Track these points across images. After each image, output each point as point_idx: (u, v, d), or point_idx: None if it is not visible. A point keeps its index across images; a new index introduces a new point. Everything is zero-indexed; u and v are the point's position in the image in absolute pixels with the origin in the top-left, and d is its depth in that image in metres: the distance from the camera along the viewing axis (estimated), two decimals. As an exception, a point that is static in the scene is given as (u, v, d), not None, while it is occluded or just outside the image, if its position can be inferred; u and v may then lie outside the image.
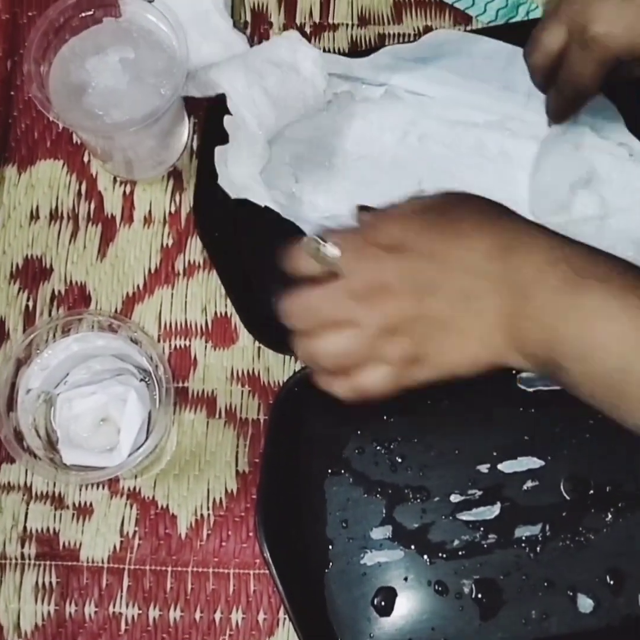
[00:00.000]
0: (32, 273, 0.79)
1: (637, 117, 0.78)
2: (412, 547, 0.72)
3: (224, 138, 0.76)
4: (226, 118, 0.75)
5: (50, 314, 0.78)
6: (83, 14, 0.72)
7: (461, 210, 0.62)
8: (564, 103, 0.71)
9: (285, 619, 0.72)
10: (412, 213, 0.63)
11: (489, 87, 0.79)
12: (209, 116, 0.79)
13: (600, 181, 0.77)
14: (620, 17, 0.63)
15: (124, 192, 0.81)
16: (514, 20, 0.83)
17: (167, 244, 0.79)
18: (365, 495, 0.73)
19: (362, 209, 0.65)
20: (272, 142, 0.75)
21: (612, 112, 0.78)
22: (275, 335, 0.75)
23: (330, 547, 0.72)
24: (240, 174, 0.76)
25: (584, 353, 0.57)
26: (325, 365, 0.65)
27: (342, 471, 0.74)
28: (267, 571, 0.70)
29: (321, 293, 0.63)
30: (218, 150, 0.76)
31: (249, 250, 0.78)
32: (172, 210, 0.80)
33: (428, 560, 0.72)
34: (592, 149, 0.77)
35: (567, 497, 0.72)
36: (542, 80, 0.71)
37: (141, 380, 0.70)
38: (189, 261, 0.79)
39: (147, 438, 0.67)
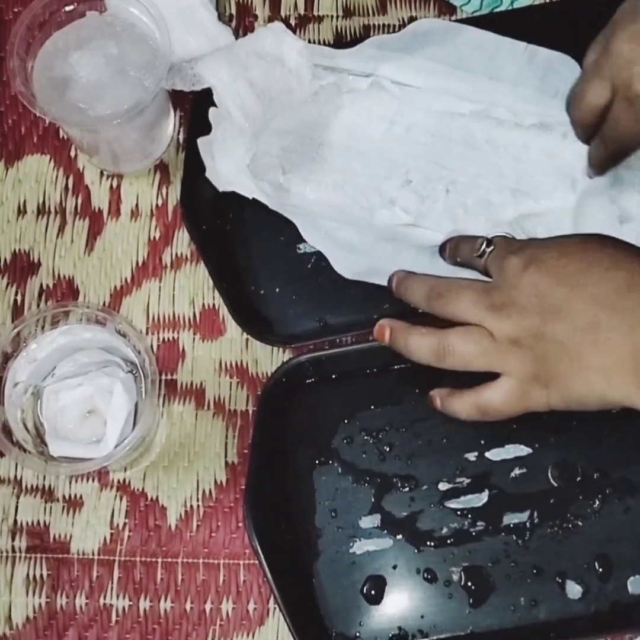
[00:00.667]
0: (20, 267, 0.79)
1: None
2: (401, 535, 0.72)
3: (210, 130, 0.77)
4: (211, 110, 0.76)
5: (38, 308, 0.78)
6: (67, 8, 0.72)
7: (598, 245, 0.64)
8: (608, 156, 0.70)
9: (275, 608, 0.72)
10: (551, 241, 0.67)
11: (475, 77, 0.78)
12: (195, 109, 0.79)
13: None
14: None
15: (111, 185, 0.81)
16: (498, 9, 0.83)
17: (154, 237, 0.80)
18: (354, 485, 0.73)
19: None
20: (259, 134, 0.76)
21: None
22: (263, 326, 0.76)
23: (319, 536, 0.72)
24: (227, 166, 0.76)
25: None
26: (450, 363, 0.67)
27: (331, 461, 0.74)
28: (256, 561, 0.71)
29: (467, 289, 0.67)
30: (201, 141, 0.77)
31: (237, 242, 0.78)
32: (159, 203, 0.80)
33: (417, 548, 0.72)
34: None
35: (555, 484, 0.73)
36: (585, 134, 0.71)
37: (128, 372, 0.70)
38: (177, 254, 0.79)
39: (133, 429, 0.68)
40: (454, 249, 0.73)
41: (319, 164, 0.79)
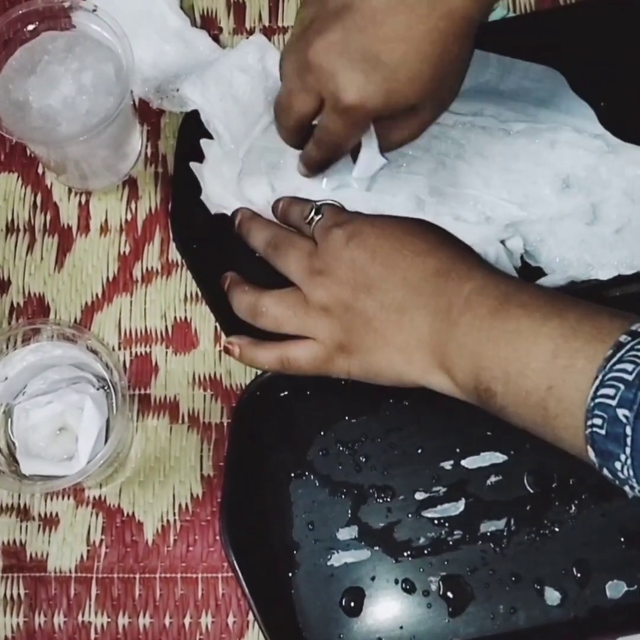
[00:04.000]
0: (-11, 286, 0.79)
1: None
2: (379, 546, 0.72)
3: (199, 149, 0.77)
4: (202, 141, 0.76)
5: (9, 326, 0.78)
6: (31, 27, 0.71)
7: (419, 231, 0.68)
8: (322, 160, 0.70)
9: (255, 621, 0.72)
10: (377, 220, 0.70)
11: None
12: (183, 129, 0.79)
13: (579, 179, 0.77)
14: (369, 84, 0.61)
15: (80, 202, 0.80)
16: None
17: (124, 252, 0.79)
18: (331, 497, 0.73)
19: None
20: (247, 152, 0.76)
21: (585, 108, 0.78)
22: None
23: (296, 549, 0.72)
24: (218, 189, 0.76)
25: (510, 374, 0.59)
26: (262, 323, 0.70)
27: (307, 473, 0.74)
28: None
29: (296, 249, 0.70)
30: (194, 166, 0.77)
31: (228, 260, 0.77)
32: (128, 218, 0.80)
33: (395, 558, 0.72)
34: (568, 145, 0.77)
35: (531, 491, 0.73)
36: (295, 141, 0.70)
37: (99, 388, 0.70)
38: (147, 268, 0.79)
39: (105, 445, 0.67)
40: (285, 210, 0.74)
41: (306, 180, 0.78)
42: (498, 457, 0.73)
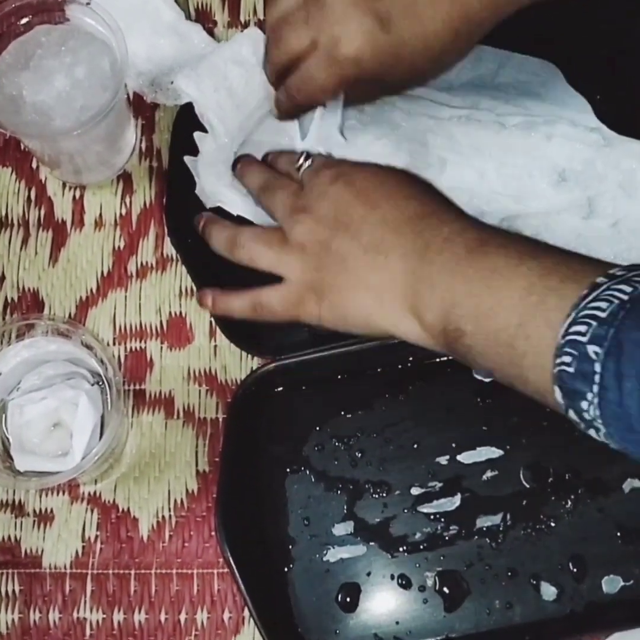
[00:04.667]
0: (-17, 282, 0.79)
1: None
2: (374, 542, 0.72)
3: (193, 143, 0.76)
4: (196, 134, 0.76)
5: (3, 321, 0.77)
6: (24, 20, 0.71)
7: (406, 178, 0.67)
8: (295, 106, 0.70)
9: (250, 616, 0.71)
10: (366, 165, 0.68)
11: (458, 85, 0.78)
12: (177, 122, 0.79)
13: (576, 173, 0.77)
14: (373, 46, 0.62)
15: (74, 196, 0.80)
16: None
17: (118, 247, 0.79)
18: (326, 492, 0.73)
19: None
20: (241, 146, 0.76)
21: (580, 101, 0.78)
22: (252, 339, 0.75)
23: (292, 545, 0.72)
24: (212, 183, 0.76)
25: (481, 311, 0.58)
26: (238, 256, 0.69)
27: (303, 468, 0.73)
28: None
29: (282, 189, 0.69)
30: (188, 159, 0.76)
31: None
32: (123, 212, 0.80)
33: (390, 554, 0.72)
34: (564, 139, 0.77)
35: (527, 486, 0.72)
36: (275, 77, 0.70)
37: (94, 383, 0.70)
38: (142, 263, 0.79)
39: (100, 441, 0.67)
40: (275, 158, 0.74)
41: None
42: (494, 452, 0.73)
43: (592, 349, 0.51)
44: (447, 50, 0.64)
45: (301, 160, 0.70)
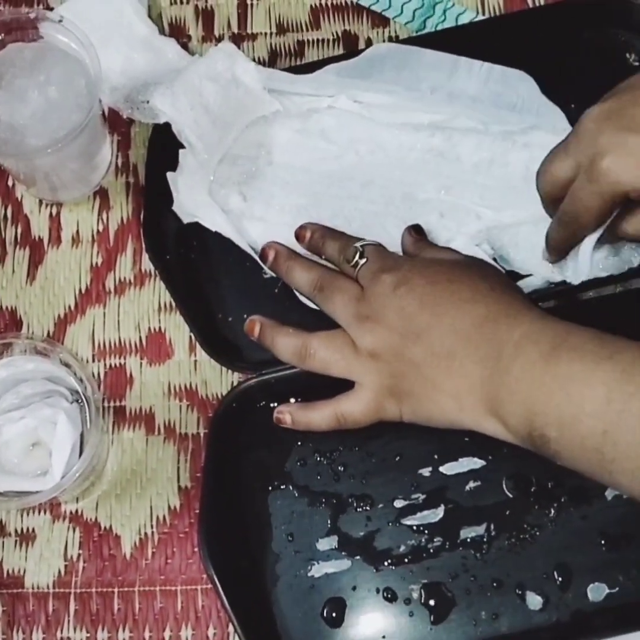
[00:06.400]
0: (-40, 301, 0.78)
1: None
2: (359, 555, 0.71)
3: (169, 159, 0.76)
4: (181, 151, 0.76)
5: (-18, 341, 0.77)
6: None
7: (467, 277, 0.68)
8: (565, 237, 0.69)
9: (235, 633, 0.71)
10: (423, 266, 0.69)
11: (434, 96, 0.79)
12: (153, 138, 0.79)
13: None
14: (631, 153, 0.61)
15: (51, 213, 0.80)
16: (430, 20, 0.84)
17: (96, 263, 0.79)
18: (309, 507, 0.73)
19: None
20: (220, 161, 0.76)
21: (556, 112, 0.78)
22: (233, 354, 0.75)
23: (276, 561, 0.72)
24: (191, 199, 0.76)
25: (564, 419, 0.59)
26: (310, 365, 0.70)
27: (285, 484, 0.73)
28: (214, 586, 0.70)
29: (342, 292, 0.70)
30: (170, 175, 0.76)
31: (203, 270, 0.78)
32: (100, 228, 0.79)
33: (375, 567, 0.71)
34: (540, 148, 0.76)
35: (510, 495, 0.72)
36: (551, 208, 0.70)
37: (73, 401, 0.69)
38: (120, 279, 0.78)
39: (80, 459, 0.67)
40: (318, 243, 0.74)
41: (280, 188, 0.78)
42: (476, 463, 0.73)
43: None
44: None
45: (356, 258, 0.70)
